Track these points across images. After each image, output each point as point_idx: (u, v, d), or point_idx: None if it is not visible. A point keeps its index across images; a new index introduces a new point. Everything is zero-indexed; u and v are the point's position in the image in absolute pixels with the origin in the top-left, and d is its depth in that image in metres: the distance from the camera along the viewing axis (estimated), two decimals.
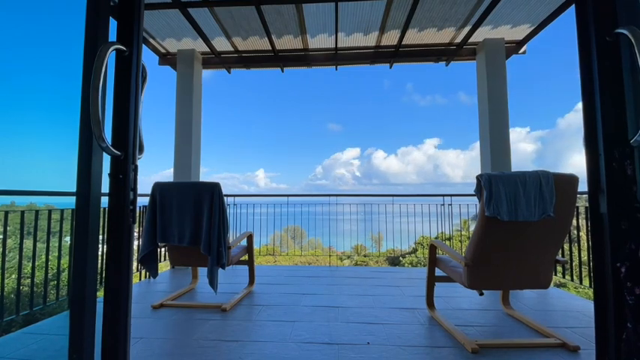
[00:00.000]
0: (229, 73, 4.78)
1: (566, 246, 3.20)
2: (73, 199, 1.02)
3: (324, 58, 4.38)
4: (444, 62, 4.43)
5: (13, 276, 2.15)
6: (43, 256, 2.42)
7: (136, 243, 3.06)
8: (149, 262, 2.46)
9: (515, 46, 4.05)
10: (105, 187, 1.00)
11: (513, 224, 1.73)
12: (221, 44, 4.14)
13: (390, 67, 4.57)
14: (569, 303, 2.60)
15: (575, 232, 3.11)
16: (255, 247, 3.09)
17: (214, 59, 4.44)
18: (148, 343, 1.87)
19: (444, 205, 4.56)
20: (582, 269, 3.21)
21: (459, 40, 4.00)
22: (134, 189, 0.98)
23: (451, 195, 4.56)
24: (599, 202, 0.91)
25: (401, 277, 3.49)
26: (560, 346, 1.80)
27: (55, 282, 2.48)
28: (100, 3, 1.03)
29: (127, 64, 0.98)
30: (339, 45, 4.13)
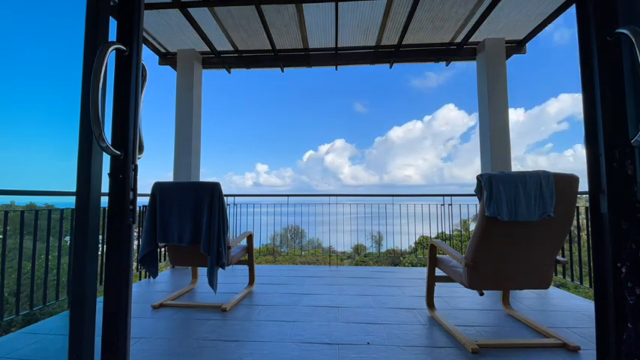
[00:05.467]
0: (229, 72, 4.78)
1: (566, 246, 3.20)
2: (73, 198, 1.02)
3: (324, 58, 4.37)
4: (444, 62, 4.43)
5: (13, 276, 2.15)
6: (43, 256, 2.42)
7: (135, 243, 3.06)
8: (149, 262, 2.46)
9: (516, 46, 4.04)
10: (105, 187, 1.00)
11: (513, 224, 1.73)
12: (221, 44, 4.14)
13: (390, 67, 4.57)
14: (569, 303, 2.60)
15: (576, 231, 3.11)
16: (255, 247, 3.09)
17: (214, 59, 4.44)
18: (148, 343, 1.86)
19: (444, 205, 4.56)
20: (582, 269, 3.21)
21: (459, 40, 4.00)
22: (134, 189, 0.98)
23: (451, 195, 4.56)
24: (599, 202, 0.91)
25: (401, 277, 3.49)
26: (560, 347, 1.80)
27: (55, 282, 2.48)
28: (100, 2, 1.03)
29: (127, 63, 0.98)
30: (339, 45, 4.13)
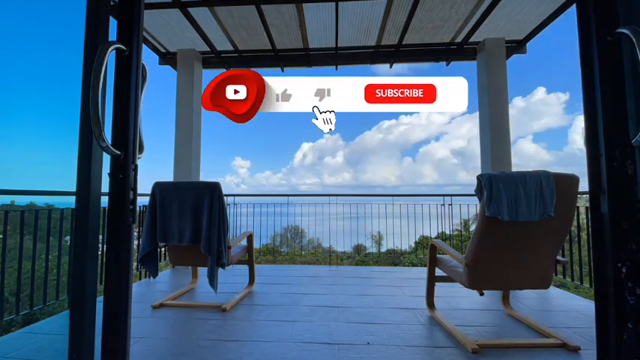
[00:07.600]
0: None
1: (566, 246, 3.20)
2: (73, 198, 1.02)
3: (324, 58, 4.38)
4: (445, 62, 4.43)
5: (14, 275, 2.15)
6: (43, 256, 2.42)
7: (135, 243, 3.06)
8: (149, 262, 2.46)
9: (516, 46, 4.04)
10: (105, 186, 1.00)
11: (514, 224, 1.73)
12: (221, 44, 4.14)
13: (391, 67, 4.57)
14: (569, 303, 2.60)
15: (576, 231, 3.11)
16: (255, 246, 3.09)
17: (214, 59, 4.44)
18: (148, 343, 1.86)
19: (444, 205, 4.57)
20: (582, 269, 3.21)
21: (459, 39, 4.00)
22: (134, 189, 0.98)
23: (451, 195, 4.57)
24: (600, 202, 0.91)
25: (401, 277, 3.49)
26: (560, 347, 1.80)
27: (55, 282, 2.48)
28: (100, 2, 1.02)
29: (127, 63, 0.98)
30: (339, 45, 4.13)
